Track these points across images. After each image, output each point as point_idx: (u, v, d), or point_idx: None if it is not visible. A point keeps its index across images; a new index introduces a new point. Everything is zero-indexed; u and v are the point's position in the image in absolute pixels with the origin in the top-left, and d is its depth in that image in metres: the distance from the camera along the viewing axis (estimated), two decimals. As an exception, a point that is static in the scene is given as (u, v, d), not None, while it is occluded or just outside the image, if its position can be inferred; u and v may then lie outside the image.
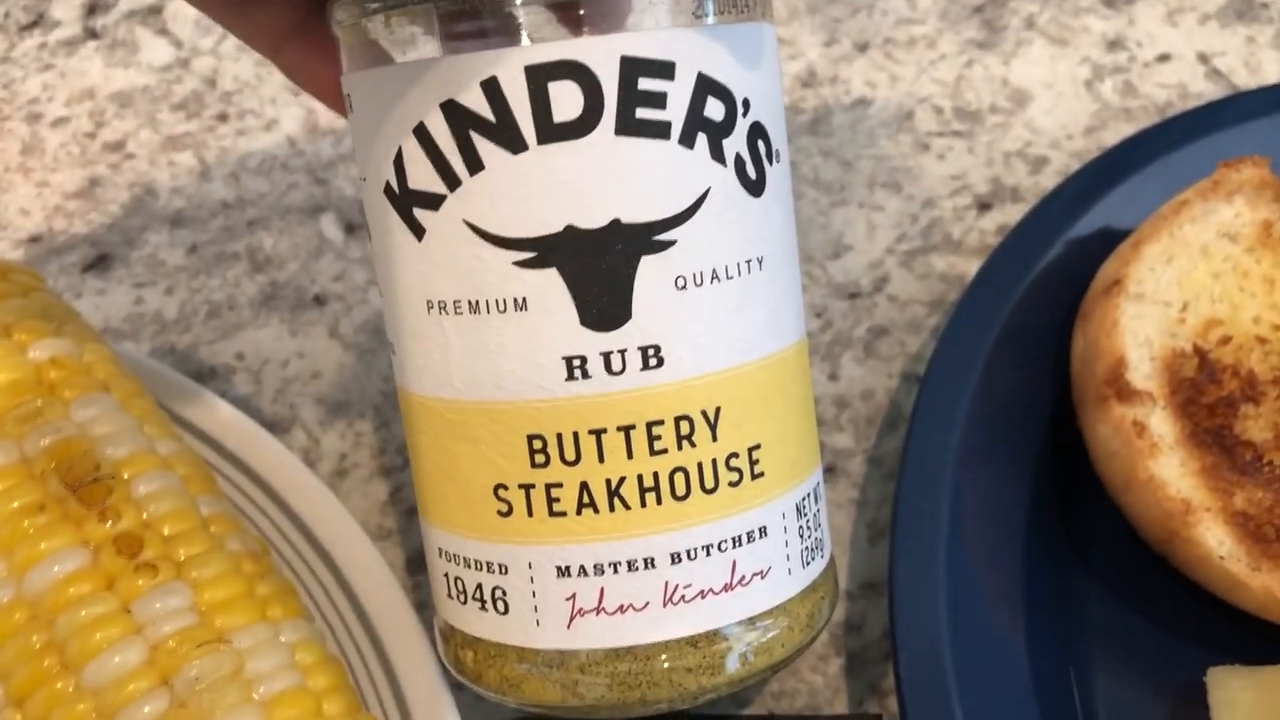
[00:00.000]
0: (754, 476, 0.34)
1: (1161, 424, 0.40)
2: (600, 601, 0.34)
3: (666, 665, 0.34)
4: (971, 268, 0.50)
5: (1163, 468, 0.39)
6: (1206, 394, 0.41)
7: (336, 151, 0.54)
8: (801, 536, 0.36)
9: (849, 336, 0.49)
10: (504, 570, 0.35)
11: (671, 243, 0.32)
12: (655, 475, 0.33)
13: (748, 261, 0.33)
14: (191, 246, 0.51)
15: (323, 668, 0.33)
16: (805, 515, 0.37)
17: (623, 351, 0.32)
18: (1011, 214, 0.51)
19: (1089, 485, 0.42)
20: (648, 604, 0.34)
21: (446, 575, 0.36)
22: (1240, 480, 0.39)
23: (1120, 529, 0.42)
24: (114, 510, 0.33)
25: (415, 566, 0.44)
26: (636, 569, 0.34)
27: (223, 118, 0.55)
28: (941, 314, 0.49)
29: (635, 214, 0.31)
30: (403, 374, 0.35)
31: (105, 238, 0.52)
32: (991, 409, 0.43)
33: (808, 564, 0.36)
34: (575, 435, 0.33)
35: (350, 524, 0.40)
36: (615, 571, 0.34)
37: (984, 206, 0.52)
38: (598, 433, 0.33)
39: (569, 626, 0.34)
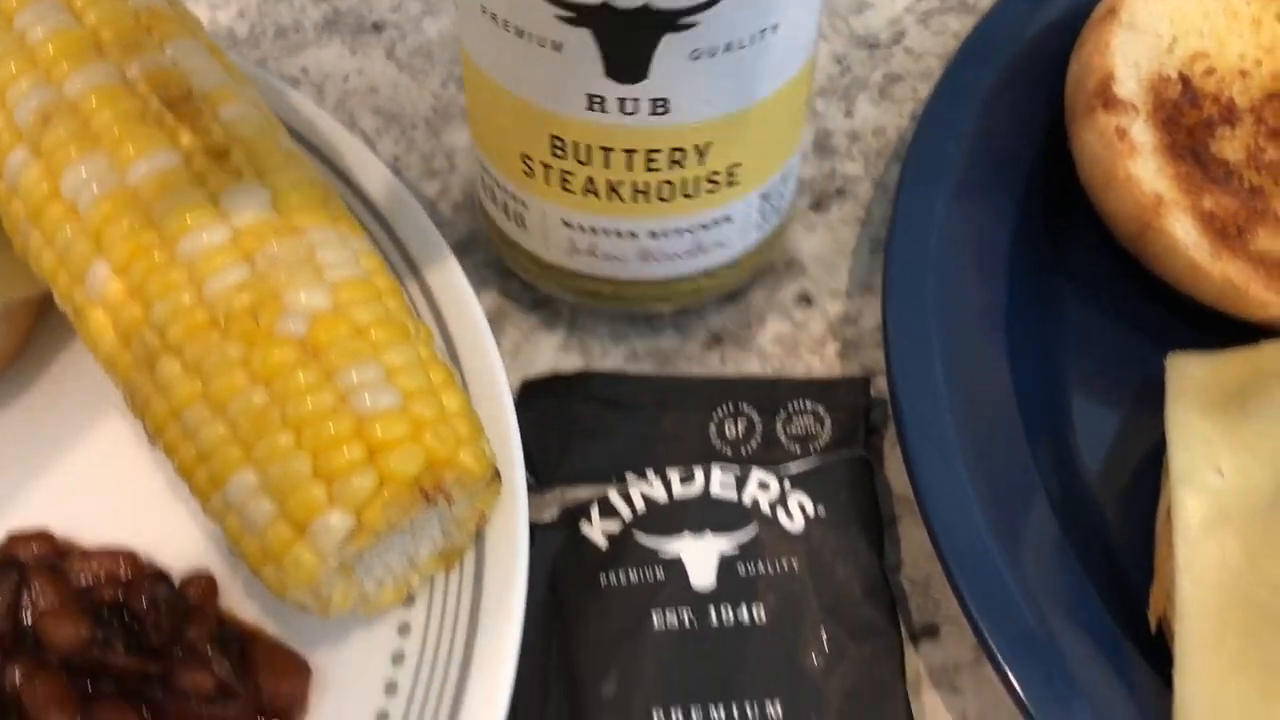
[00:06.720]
0: (730, 184, 0.41)
1: (1142, 133, 0.43)
2: (592, 249, 0.42)
3: (635, 294, 0.44)
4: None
5: (1140, 168, 0.43)
6: (1187, 116, 0.45)
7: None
8: (763, 215, 0.43)
9: (866, 81, 0.53)
10: (524, 205, 0.42)
11: (693, 24, 0.35)
12: (647, 184, 0.39)
13: (762, 31, 0.36)
14: (260, -22, 0.55)
15: (379, 270, 0.38)
16: (771, 199, 0.43)
17: (636, 99, 0.37)
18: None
19: (1073, 208, 0.47)
20: (627, 258, 0.42)
21: (485, 183, 0.43)
22: (1211, 188, 0.43)
23: (1098, 240, 0.46)
24: (204, 127, 0.37)
25: (462, 251, 0.48)
26: (622, 235, 0.41)
27: None
28: (953, 65, 0.53)
29: (665, 1, 0.34)
30: (465, 37, 0.39)
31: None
32: (987, 140, 0.47)
33: (761, 227, 0.43)
34: (588, 146, 0.38)
35: (405, 193, 0.44)
36: (606, 234, 0.41)
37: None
38: (606, 149, 0.38)
39: (567, 254, 0.43)
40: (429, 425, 0.34)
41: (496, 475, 0.37)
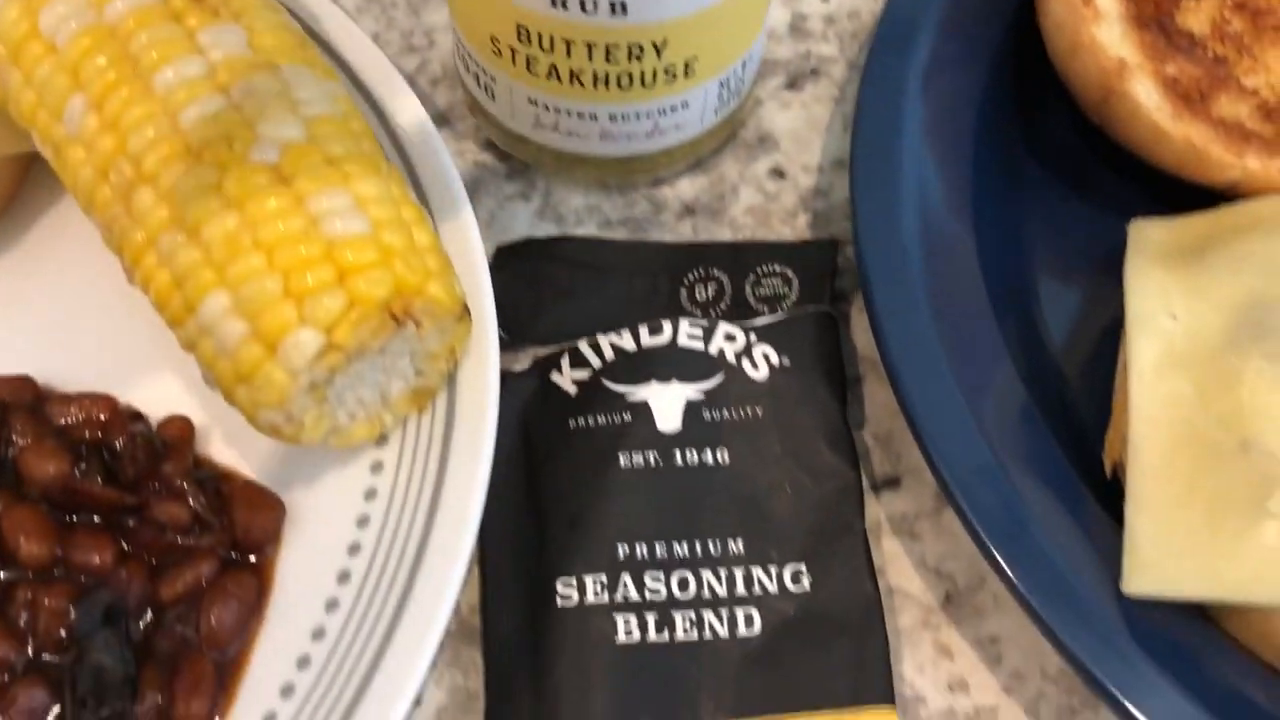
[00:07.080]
0: (687, 76, 0.42)
1: (1107, 0, 0.44)
2: (555, 125, 0.43)
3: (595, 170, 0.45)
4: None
5: (1104, 33, 0.43)
6: (1152, -11, 0.45)
7: None
8: (721, 100, 0.44)
9: (841, -33, 0.54)
10: (493, 79, 0.43)
11: None
12: (607, 73, 0.41)
13: None
14: None
15: (354, 114, 0.38)
16: (729, 84, 0.44)
17: (595, 1, 0.38)
18: None
19: (1041, 87, 0.47)
20: (589, 136, 0.43)
21: (459, 52, 0.44)
22: (1175, 55, 0.44)
23: (1064, 115, 0.47)
24: (181, -31, 0.38)
25: (439, 123, 0.49)
26: (583, 117, 0.43)
27: None
28: (929, -47, 0.53)
29: None
30: None
31: None
32: (956, 17, 0.47)
33: (719, 110, 0.44)
34: (551, 37, 0.40)
35: (385, 61, 0.45)
36: (569, 115, 0.43)
37: None
38: (568, 41, 0.40)
39: (532, 128, 0.44)
40: (399, 254, 0.35)
41: (466, 312, 0.37)
